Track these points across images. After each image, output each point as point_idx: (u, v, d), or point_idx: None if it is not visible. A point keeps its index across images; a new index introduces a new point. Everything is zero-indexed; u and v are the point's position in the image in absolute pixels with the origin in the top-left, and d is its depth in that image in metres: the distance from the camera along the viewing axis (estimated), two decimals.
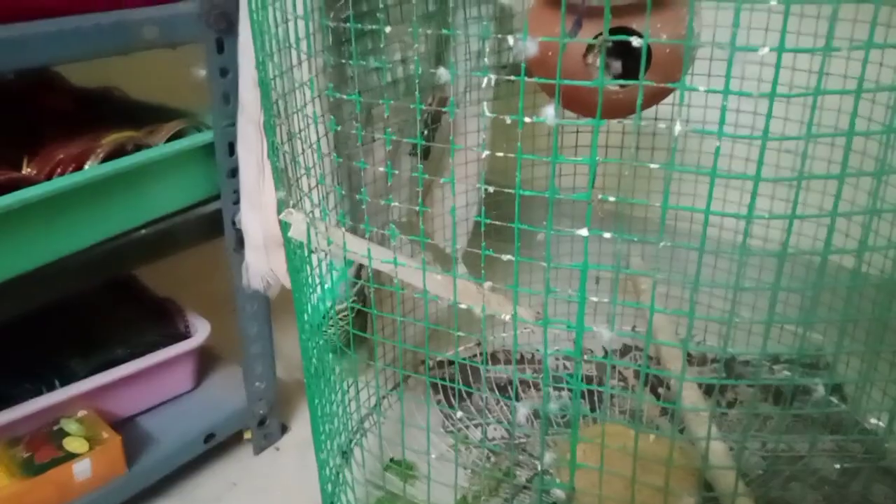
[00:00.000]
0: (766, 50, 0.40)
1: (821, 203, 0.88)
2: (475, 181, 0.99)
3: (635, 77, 0.66)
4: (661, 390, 1.05)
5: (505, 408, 1.01)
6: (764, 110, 0.43)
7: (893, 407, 0.71)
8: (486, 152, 0.50)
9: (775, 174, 0.76)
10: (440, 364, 1.07)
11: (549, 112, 0.42)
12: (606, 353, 1.14)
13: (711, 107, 0.94)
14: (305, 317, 0.69)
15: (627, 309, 1.15)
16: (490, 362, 1.10)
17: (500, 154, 0.48)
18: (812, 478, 0.88)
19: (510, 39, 0.44)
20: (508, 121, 0.47)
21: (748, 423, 0.96)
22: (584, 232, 0.44)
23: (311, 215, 0.59)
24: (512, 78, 0.46)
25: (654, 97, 0.77)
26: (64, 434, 0.81)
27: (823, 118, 0.84)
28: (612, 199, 0.45)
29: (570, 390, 1.03)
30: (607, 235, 0.45)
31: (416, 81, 0.53)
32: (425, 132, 0.93)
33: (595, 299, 0.46)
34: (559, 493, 0.82)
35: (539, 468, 0.89)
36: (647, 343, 0.48)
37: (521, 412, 0.58)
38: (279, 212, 0.62)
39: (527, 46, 0.43)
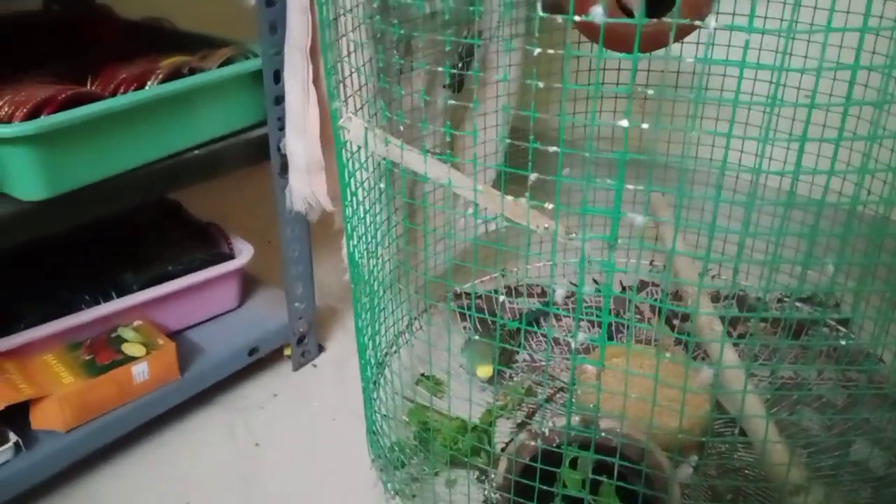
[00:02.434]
0: None
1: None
2: (503, 116, 1.03)
3: (666, 10, 0.70)
4: (675, 322, 1.10)
5: (527, 335, 1.07)
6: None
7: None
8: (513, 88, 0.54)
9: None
10: (466, 294, 1.12)
11: (598, 10, 0.46)
12: (624, 288, 1.19)
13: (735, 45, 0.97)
14: (352, 222, 0.74)
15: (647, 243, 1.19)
16: (513, 295, 1.15)
17: (534, 86, 0.52)
18: (817, 402, 0.94)
19: None
20: (536, 52, 0.51)
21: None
22: (624, 123, 0.48)
23: (369, 123, 0.64)
24: (540, 14, 0.50)
25: (682, 31, 0.81)
26: (122, 340, 0.87)
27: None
28: (650, 91, 0.49)
29: (598, 314, 1.08)
30: (644, 125, 0.49)
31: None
32: (460, 65, 0.97)
33: (631, 187, 0.51)
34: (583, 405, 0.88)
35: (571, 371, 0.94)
36: (669, 259, 0.53)
37: (559, 293, 0.63)
38: (335, 121, 0.67)
39: None
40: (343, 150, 0.70)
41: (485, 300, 1.09)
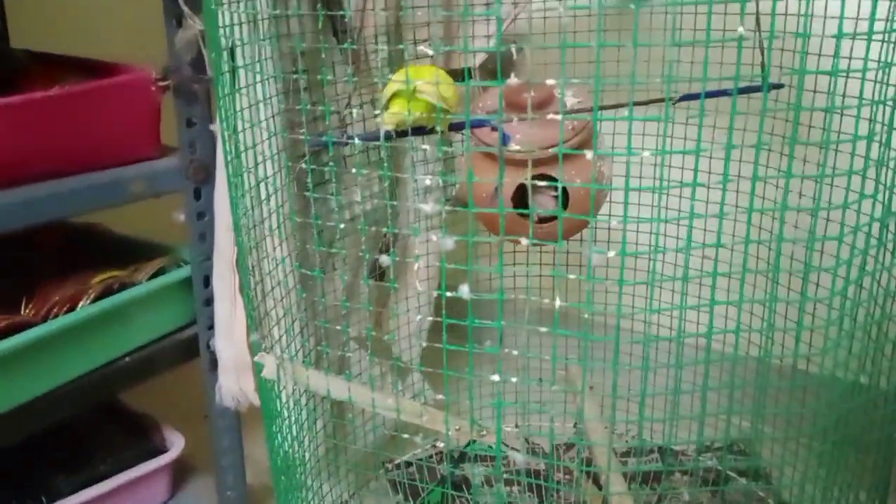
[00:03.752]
0: None
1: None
2: (425, 296, 1.11)
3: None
4: (602, 481, 1.15)
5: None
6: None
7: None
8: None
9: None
10: (398, 466, 1.16)
11: (465, 289, 0.54)
12: (552, 448, 1.24)
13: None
14: (275, 442, 0.78)
15: (570, 407, 1.25)
16: (447, 461, 1.19)
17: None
18: None
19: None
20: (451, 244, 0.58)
21: None
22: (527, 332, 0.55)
23: (281, 358, 0.69)
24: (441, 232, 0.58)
25: (574, 228, 0.90)
26: None
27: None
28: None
29: (519, 483, 1.12)
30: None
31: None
32: (380, 255, 1.05)
33: (509, 428, 0.57)
34: None
35: None
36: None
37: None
38: (253, 354, 0.73)
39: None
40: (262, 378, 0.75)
41: (416, 470, 1.13)
